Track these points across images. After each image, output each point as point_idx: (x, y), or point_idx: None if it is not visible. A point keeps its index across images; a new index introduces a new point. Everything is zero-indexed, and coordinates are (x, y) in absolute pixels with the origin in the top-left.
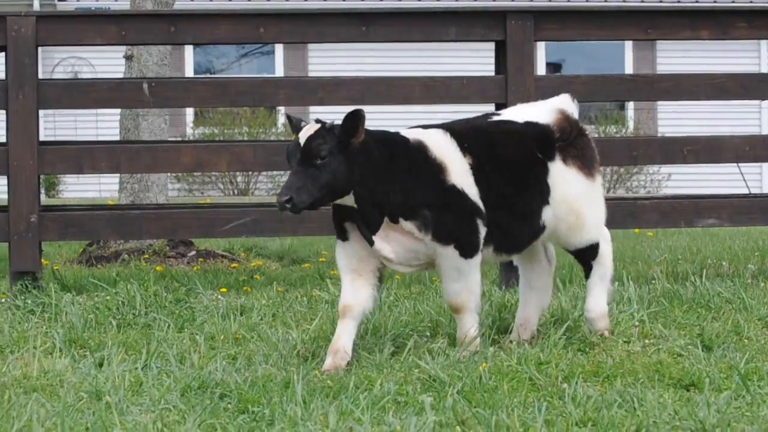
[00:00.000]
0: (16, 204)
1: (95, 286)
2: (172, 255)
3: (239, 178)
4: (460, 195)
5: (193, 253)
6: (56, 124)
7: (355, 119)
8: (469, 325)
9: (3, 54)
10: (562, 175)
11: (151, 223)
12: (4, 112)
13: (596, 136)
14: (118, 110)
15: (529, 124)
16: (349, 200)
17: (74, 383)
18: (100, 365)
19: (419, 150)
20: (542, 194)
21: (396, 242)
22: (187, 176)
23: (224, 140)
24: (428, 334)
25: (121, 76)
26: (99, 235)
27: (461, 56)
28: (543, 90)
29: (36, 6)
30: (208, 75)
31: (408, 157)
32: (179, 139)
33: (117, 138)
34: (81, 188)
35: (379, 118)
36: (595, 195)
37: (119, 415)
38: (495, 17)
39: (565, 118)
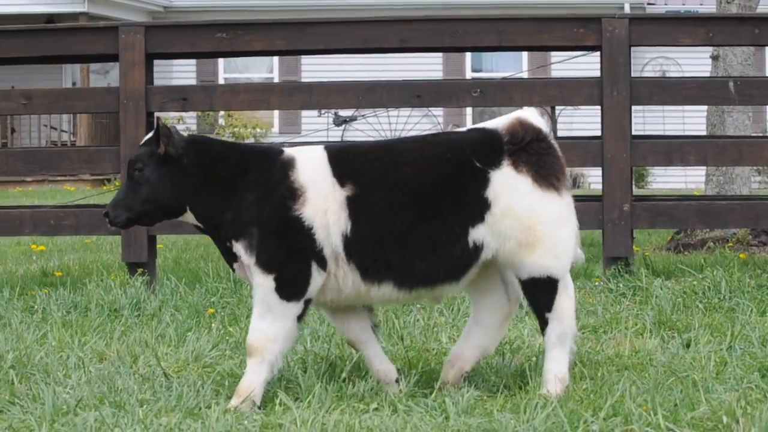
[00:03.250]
0: (610, 194)
1: (682, 272)
2: (754, 243)
3: None
4: (301, 230)
5: None
6: (645, 120)
7: (155, 130)
8: (253, 377)
9: (597, 53)
10: (509, 185)
11: (735, 213)
12: (598, 108)
13: None
14: (704, 107)
15: (471, 131)
16: (191, 219)
17: (663, 362)
18: (687, 346)
19: (282, 168)
20: (471, 213)
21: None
22: None
23: None
24: None
25: (706, 74)
26: (686, 224)
27: None
28: None
29: (626, 9)
30: None
31: (263, 173)
32: (760, 134)
33: (703, 133)
34: (667, 180)
35: None
36: (556, 213)
37: (704, 393)
38: None
39: (519, 122)
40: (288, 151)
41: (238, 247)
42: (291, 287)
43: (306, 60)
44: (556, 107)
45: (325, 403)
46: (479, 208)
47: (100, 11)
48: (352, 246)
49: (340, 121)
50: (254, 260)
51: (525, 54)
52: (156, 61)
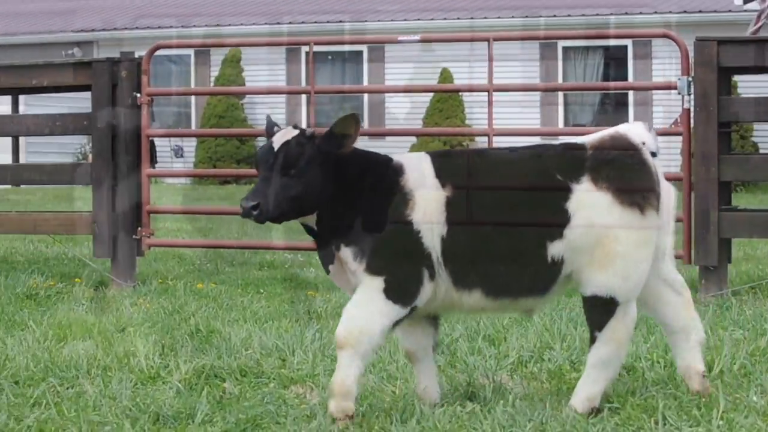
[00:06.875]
0: None
1: None
2: None
3: None
4: (411, 234)
5: None
6: None
7: (348, 124)
8: (347, 371)
9: None
10: (587, 198)
11: None
12: None
13: None
14: None
15: (562, 144)
16: (311, 220)
17: None
18: None
19: (393, 173)
20: (550, 226)
21: (344, 274)
22: None
23: None
24: None
25: None
26: None
27: None
28: None
29: None
30: None
31: (377, 178)
32: None
33: None
34: None
35: None
36: (634, 234)
37: None
38: None
39: (611, 137)
40: (395, 158)
41: (347, 253)
42: (399, 290)
43: None
44: None
45: None
46: (560, 220)
47: None
48: (448, 249)
49: None
50: (364, 267)
51: None
52: None
